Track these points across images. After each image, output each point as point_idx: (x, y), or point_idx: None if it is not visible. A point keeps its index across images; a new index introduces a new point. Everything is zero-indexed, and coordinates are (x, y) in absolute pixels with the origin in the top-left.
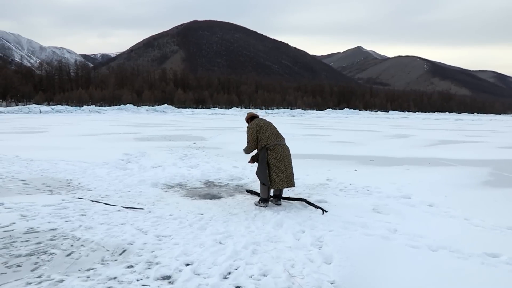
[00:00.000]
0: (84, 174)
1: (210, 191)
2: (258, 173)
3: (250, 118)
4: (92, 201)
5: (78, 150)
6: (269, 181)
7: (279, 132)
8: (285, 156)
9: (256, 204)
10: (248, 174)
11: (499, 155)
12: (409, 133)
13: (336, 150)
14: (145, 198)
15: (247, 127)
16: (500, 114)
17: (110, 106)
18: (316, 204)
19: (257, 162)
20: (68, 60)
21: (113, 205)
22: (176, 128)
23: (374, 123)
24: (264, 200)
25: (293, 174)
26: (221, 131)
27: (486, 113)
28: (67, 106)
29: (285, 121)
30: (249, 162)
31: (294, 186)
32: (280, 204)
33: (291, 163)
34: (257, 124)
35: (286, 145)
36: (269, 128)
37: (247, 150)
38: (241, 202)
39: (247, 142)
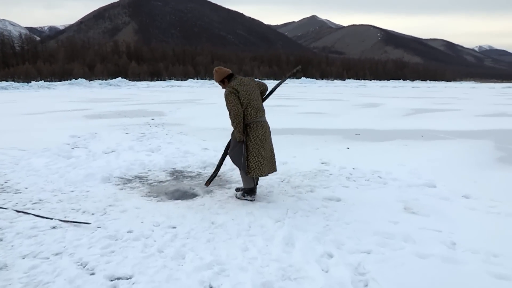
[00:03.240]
0: (16, 166)
1: (179, 186)
2: (232, 157)
3: (227, 78)
4: (18, 211)
5: (15, 133)
6: (247, 167)
7: (261, 103)
8: (267, 136)
9: (239, 197)
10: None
11: (484, 124)
12: (376, 101)
13: (311, 122)
14: (93, 202)
15: (225, 94)
16: (450, 81)
17: (60, 81)
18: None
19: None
20: (11, 33)
21: (47, 218)
22: (132, 102)
23: (335, 91)
24: (250, 191)
25: (274, 156)
26: (180, 105)
27: (438, 81)
28: (13, 82)
29: None
30: (239, 142)
31: (276, 171)
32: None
33: (272, 143)
34: (236, 89)
35: (267, 122)
36: (252, 99)
37: (236, 126)
38: (224, 202)
39: (230, 115)
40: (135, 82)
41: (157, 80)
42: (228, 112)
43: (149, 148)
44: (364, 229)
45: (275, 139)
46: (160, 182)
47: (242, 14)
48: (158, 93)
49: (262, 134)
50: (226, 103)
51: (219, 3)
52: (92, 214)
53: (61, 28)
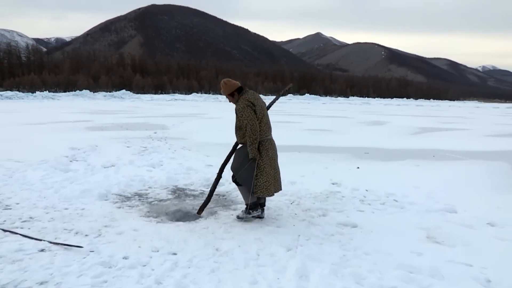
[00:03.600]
0: (9, 179)
1: (181, 206)
2: (241, 175)
3: (236, 91)
4: (4, 231)
5: (13, 143)
6: (254, 187)
7: (269, 120)
8: (275, 154)
9: (243, 217)
10: (229, 176)
11: (495, 145)
12: (382, 119)
13: (317, 139)
14: (88, 222)
15: (239, 108)
16: (454, 100)
17: (65, 92)
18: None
19: (240, 157)
20: (19, 44)
21: (36, 239)
22: (134, 115)
23: (339, 108)
24: (255, 206)
25: (280, 175)
26: (184, 118)
27: (441, 99)
28: (17, 92)
29: None
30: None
31: (281, 189)
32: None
33: (278, 161)
34: (252, 102)
35: (274, 140)
36: (265, 114)
37: (252, 143)
38: (230, 225)
39: (247, 130)
40: (139, 94)
41: (161, 93)
42: (238, 127)
43: (150, 163)
44: (385, 261)
45: (282, 156)
46: (160, 200)
47: (247, 30)
48: (161, 106)
49: (272, 153)
50: (242, 117)
51: (224, 18)
52: (86, 235)
53: (67, 39)
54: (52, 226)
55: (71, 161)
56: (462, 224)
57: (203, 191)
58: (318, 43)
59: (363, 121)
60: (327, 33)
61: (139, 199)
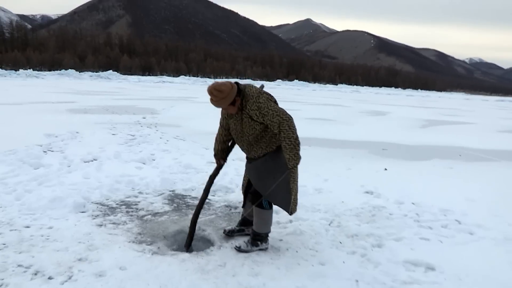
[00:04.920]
0: None
1: (183, 224)
2: (274, 192)
3: (238, 94)
4: None
5: None
6: (292, 205)
7: None
8: None
9: (244, 250)
10: (236, 178)
11: None
12: (380, 109)
13: (322, 131)
14: (55, 252)
15: (259, 107)
16: (441, 91)
17: (50, 71)
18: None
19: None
20: (1, 19)
21: None
22: (121, 97)
23: (331, 96)
24: (265, 237)
25: None
26: (174, 102)
27: (429, 90)
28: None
29: None
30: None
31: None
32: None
33: None
34: (272, 96)
35: None
36: None
37: (297, 143)
38: (255, 260)
39: (286, 126)
40: (126, 76)
41: (149, 75)
42: (256, 136)
43: (140, 157)
44: None
45: None
46: (155, 214)
47: (237, 13)
48: (149, 88)
49: None
50: (268, 115)
51: (214, 1)
52: (49, 278)
53: (53, 17)
54: (0, 259)
55: (45, 151)
56: None
57: (209, 200)
58: (308, 29)
59: (362, 110)
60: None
61: (127, 212)
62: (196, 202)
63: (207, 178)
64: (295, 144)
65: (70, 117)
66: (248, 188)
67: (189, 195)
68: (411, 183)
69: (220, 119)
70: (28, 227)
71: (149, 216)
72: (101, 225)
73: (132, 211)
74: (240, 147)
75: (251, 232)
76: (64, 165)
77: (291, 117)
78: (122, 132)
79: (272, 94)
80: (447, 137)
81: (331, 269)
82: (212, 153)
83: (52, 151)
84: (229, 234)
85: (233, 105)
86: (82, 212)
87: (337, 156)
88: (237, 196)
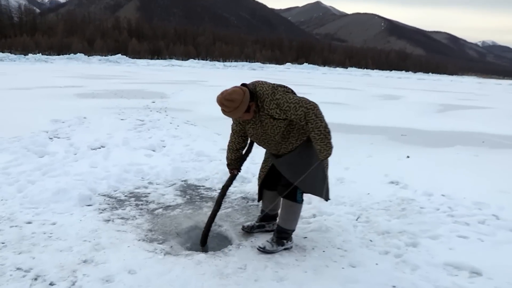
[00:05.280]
0: None
1: (197, 219)
2: (311, 183)
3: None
4: None
5: None
6: (326, 192)
7: None
8: None
9: (269, 251)
10: (252, 167)
11: None
12: (393, 93)
13: (337, 115)
14: (58, 253)
15: (280, 103)
16: (452, 75)
17: (59, 55)
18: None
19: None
20: (10, 3)
21: None
22: (130, 80)
23: (342, 79)
24: (291, 235)
25: None
26: (183, 86)
27: (440, 73)
28: (9, 54)
29: (248, 75)
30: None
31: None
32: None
33: None
34: (285, 87)
35: None
36: None
37: (328, 130)
38: (278, 262)
39: (315, 114)
40: (135, 59)
41: (157, 58)
42: (283, 132)
43: (150, 144)
44: None
45: None
46: (167, 207)
47: None
48: (158, 72)
49: None
50: (291, 108)
51: None
52: (50, 284)
53: (62, 1)
54: None
55: (50, 138)
56: None
57: None
58: (318, 12)
59: (375, 94)
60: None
61: (136, 205)
62: (210, 193)
63: (220, 167)
64: (325, 133)
65: (78, 101)
66: (270, 181)
67: (203, 186)
68: (437, 172)
69: (232, 125)
70: (29, 222)
71: (160, 210)
72: (108, 221)
73: (141, 204)
74: (265, 149)
75: (276, 229)
76: (70, 153)
77: (316, 104)
78: (131, 117)
79: (286, 85)
80: (466, 122)
81: (364, 273)
82: (223, 140)
83: (58, 138)
84: (248, 231)
85: (248, 111)
86: (88, 205)
87: (355, 143)
88: (254, 187)
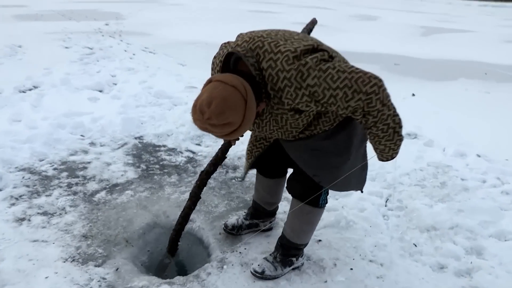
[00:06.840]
0: None
1: (155, 208)
2: (350, 178)
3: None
4: None
5: None
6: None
7: None
8: None
9: (276, 273)
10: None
11: None
12: (369, 13)
13: (322, 40)
14: None
15: (319, 81)
16: None
17: None
18: None
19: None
20: None
21: None
22: None
23: None
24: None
25: None
26: (143, 5)
27: None
28: None
29: None
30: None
31: None
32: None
33: None
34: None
35: None
36: None
37: (401, 129)
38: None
39: (381, 103)
40: None
41: None
42: (310, 117)
43: (96, 81)
44: None
45: None
46: (113, 188)
47: None
48: None
49: None
50: (345, 96)
51: None
52: None
53: None
54: None
55: None
56: None
57: (194, 153)
58: None
59: (351, 14)
60: None
61: (68, 186)
62: (175, 159)
63: (187, 115)
64: (396, 125)
65: (16, 25)
66: (268, 164)
67: (164, 146)
68: (454, 118)
69: None
70: None
71: (103, 194)
72: (22, 220)
73: (76, 184)
74: (278, 138)
75: (281, 244)
76: None
77: (381, 80)
78: (77, 45)
79: (317, 40)
80: (457, 49)
81: None
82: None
83: None
84: (234, 232)
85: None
86: None
87: None
88: (239, 153)
